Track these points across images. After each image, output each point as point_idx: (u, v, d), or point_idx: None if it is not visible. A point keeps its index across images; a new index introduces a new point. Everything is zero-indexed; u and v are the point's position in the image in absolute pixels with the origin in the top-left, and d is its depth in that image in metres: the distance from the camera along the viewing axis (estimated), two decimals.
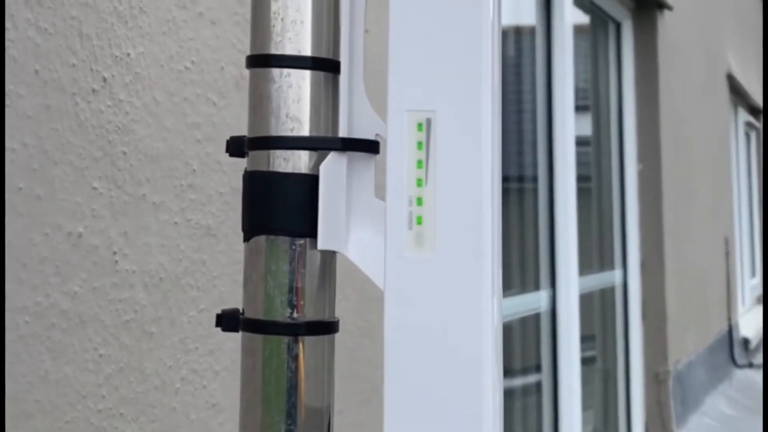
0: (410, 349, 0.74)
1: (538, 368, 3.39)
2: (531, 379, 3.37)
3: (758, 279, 8.65)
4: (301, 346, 0.80)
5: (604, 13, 4.32)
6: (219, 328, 1.34)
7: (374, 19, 0.84)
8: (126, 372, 1.23)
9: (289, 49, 0.81)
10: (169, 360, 1.31)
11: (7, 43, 1.06)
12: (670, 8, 4.66)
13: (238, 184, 1.41)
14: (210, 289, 1.38)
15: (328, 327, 0.82)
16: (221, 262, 1.41)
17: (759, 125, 8.94)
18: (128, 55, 1.23)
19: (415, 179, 0.75)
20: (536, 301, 3.33)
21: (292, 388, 0.80)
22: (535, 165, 3.42)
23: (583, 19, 4.14)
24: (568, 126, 3.50)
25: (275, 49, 0.82)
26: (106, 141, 1.19)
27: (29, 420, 1.10)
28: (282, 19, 0.82)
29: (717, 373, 5.69)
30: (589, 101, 4.26)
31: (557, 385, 3.44)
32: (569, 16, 3.58)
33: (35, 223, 1.10)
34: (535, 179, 3.40)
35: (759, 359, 6.88)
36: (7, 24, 1.06)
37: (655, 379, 4.47)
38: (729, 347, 6.20)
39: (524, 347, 3.34)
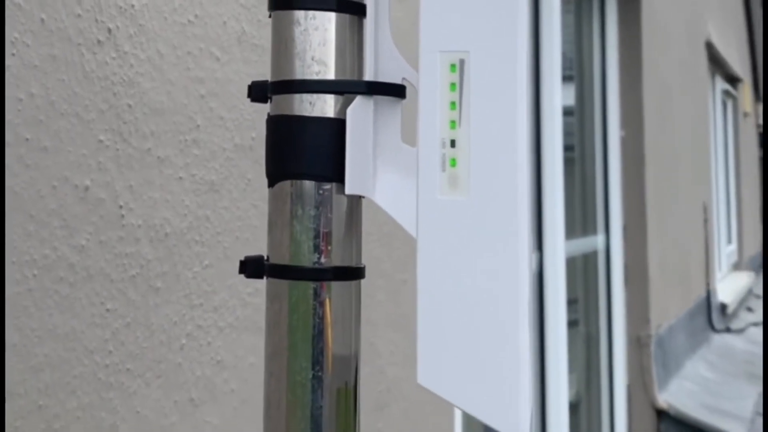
0: (444, 291, 0.73)
1: None
2: None
3: (734, 246, 8.72)
4: (327, 291, 0.79)
5: None
6: (225, 284, 1.33)
7: None
8: (132, 327, 1.22)
9: None
10: (174, 316, 1.29)
11: None
12: None
13: (242, 140, 1.41)
14: (214, 245, 1.37)
15: (356, 273, 0.81)
16: (224, 218, 1.39)
17: (736, 93, 8.98)
18: (132, 6, 1.21)
19: (449, 121, 0.74)
20: None
21: (319, 335, 0.79)
22: (527, 96, 3.43)
23: None
24: (556, 96, 3.53)
25: None
26: (111, 93, 1.17)
27: (38, 374, 1.08)
28: None
29: (696, 338, 5.74)
30: (574, 71, 4.28)
31: (544, 346, 3.47)
32: None
33: (43, 175, 1.08)
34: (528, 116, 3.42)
35: (736, 324, 6.95)
36: None
37: (638, 343, 4.51)
38: (707, 312, 6.25)
39: None
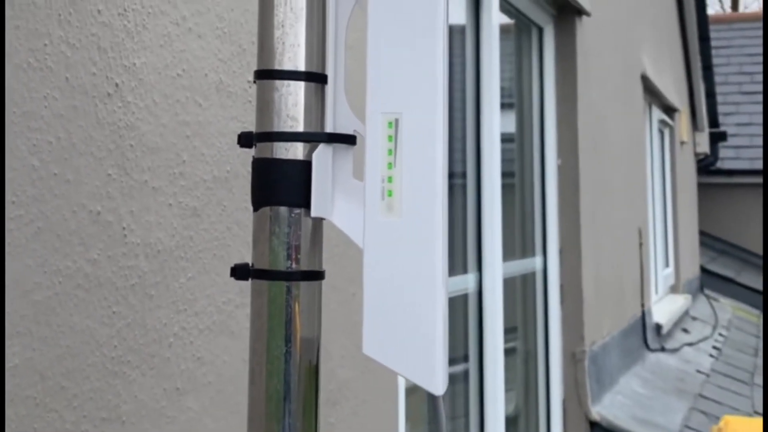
0: (383, 286, 1.01)
1: (465, 345, 3.68)
2: (459, 352, 3.65)
3: (671, 269, 9.05)
4: (297, 289, 1.07)
5: (527, 18, 4.63)
6: (204, 294, 1.60)
7: (353, 37, 1.11)
8: (132, 326, 1.49)
9: (288, 66, 1.08)
10: (164, 318, 1.56)
11: (44, 56, 1.32)
12: (588, 14, 4.98)
13: (219, 173, 1.68)
14: (196, 261, 1.64)
15: (318, 275, 1.09)
16: (204, 238, 1.67)
17: (672, 123, 9.35)
18: (134, 64, 1.49)
19: (386, 163, 1.02)
20: (465, 282, 3.62)
21: (290, 321, 1.07)
22: (464, 159, 3.70)
23: (509, 23, 4.44)
24: (495, 124, 3.78)
25: (278, 66, 1.08)
26: (117, 135, 1.45)
27: (62, 361, 1.35)
28: (283, 43, 1.08)
29: (631, 355, 6.03)
30: (514, 100, 4.55)
31: (482, 362, 3.72)
32: (496, 20, 3.86)
33: (66, 203, 1.35)
34: (464, 173, 3.69)
35: (670, 344, 7.26)
36: (45, 41, 1.32)
37: (573, 359, 4.77)
38: (642, 332, 6.55)
39: (452, 325, 3.63)
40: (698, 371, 6.75)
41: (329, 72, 1.09)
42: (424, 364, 1.01)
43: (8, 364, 1.26)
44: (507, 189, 4.01)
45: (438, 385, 1.01)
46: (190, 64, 1.62)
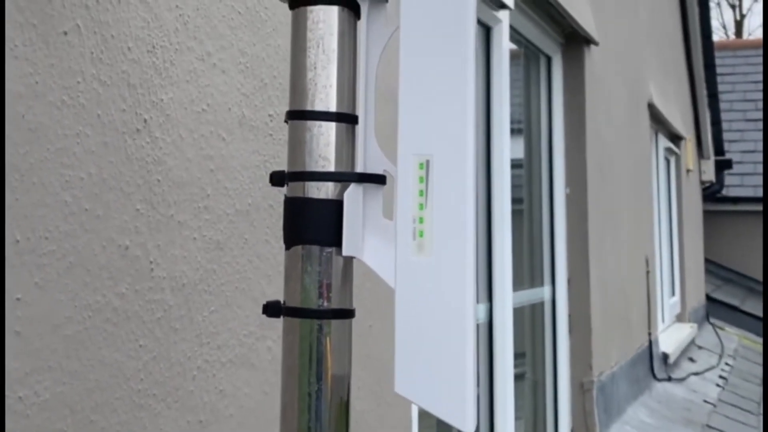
0: (415, 325, 1.03)
1: (476, 374, 3.68)
2: None
3: (677, 298, 9.05)
4: (328, 327, 1.09)
5: (536, 47, 4.66)
6: (226, 327, 1.62)
7: (384, 74, 1.13)
8: (158, 360, 1.51)
9: (320, 107, 1.10)
10: (188, 351, 1.58)
11: (77, 93, 1.34)
12: (596, 43, 5.01)
13: (241, 206, 1.70)
14: (219, 294, 1.66)
15: (348, 313, 1.11)
16: (227, 271, 1.69)
17: (679, 151, 9.38)
18: (162, 100, 1.51)
19: (418, 204, 1.04)
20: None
21: (321, 359, 1.09)
22: (474, 186, 3.71)
23: (518, 51, 4.47)
24: (505, 152, 3.80)
25: (310, 106, 1.10)
26: (145, 171, 1.47)
27: (91, 395, 1.37)
28: (315, 84, 1.10)
29: (638, 385, 6.02)
30: (522, 127, 4.57)
31: (492, 390, 3.73)
32: (506, 48, 3.89)
33: (97, 237, 1.37)
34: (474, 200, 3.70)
35: (677, 373, 7.25)
36: (78, 78, 1.34)
37: (581, 389, 4.77)
38: (649, 361, 6.55)
39: None
40: (705, 401, 6.74)
41: (360, 112, 1.12)
42: (455, 402, 1.02)
43: (39, 399, 1.28)
44: (516, 216, 4.02)
45: (469, 424, 1.02)
46: (214, 99, 1.64)
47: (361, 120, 1.11)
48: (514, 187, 4.00)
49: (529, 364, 4.47)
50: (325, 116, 1.10)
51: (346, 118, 1.11)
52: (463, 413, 1.02)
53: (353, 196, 1.09)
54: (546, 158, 4.81)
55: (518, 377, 4.03)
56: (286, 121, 1.13)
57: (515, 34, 4.25)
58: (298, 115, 1.11)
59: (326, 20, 1.11)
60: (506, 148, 3.82)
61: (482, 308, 3.69)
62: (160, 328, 1.51)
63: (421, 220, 1.04)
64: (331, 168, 1.09)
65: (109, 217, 1.40)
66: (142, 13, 1.47)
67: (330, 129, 1.10)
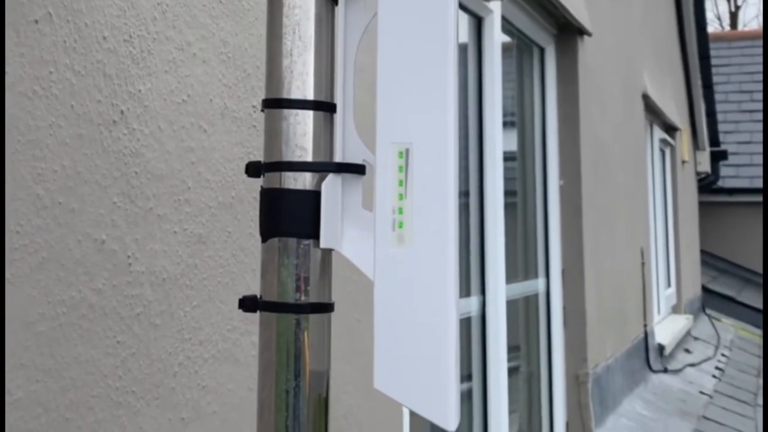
0: (394, 318, 0.99)
1: (469, 367, 3.66)
2: (462, 375, 3.62)
3: (673, 289, 9.03)
4: (306, 322, 1.05)
5: (528, 38, 4.63)
6: (209, 322, 1.58)
7: (363, 60, 1.09)
8: (137, 356, 1.47)
9: (296, 95, 1.06)
10: (169, 347, 1.55)
11: (50, 84, 1.30)
12: (589, 34, 4.98)
13: (224, 198, 1.67)
14: (201, 288, 1.63)
15: (327, 307, 1.07)
16: (209, 265, 1.65)
17: (674, 142, 9.35)
18: (140, 91, 1.47)
19: (397, 194, 1.00)
20: (468, 305, 3.60)
21: (299, 354, 1.05)
22: (467, 179, 3.69)
23: (510, 42, 4.43)
24: (498, 144, 3.77)
25: (286, 95, 1.06)
26: (122, 163, 1.43)
27: (66, 393, 1.33)
28: (291, 72, 1.06)
29: (634, 377, 6.00)
30: (515, 119, 4.54)
31: (486, 383, 3.70)
32: (498, 40, 3.86)
33: (71, 231, 1.34)
34: (467, 193, 3.67)
35: (673, 365, 7.23)
36: (50, 68, 1.30)
37: (576, 381, 4.75)
38: (645, 353, 6.53)
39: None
40: (701, 392, 6.72)
41: (338, 101, 1.08)
42: (436, 399, 0.99)
43: (11, 398, 1.24)
44: (509, 209, 3.99)
45: (451, 421, 0.99)
46: (194, 90, 1.61)
47: (339, 108, 1.08)
48: (508, 179, 3.97)
49: (523, 357, 4.45)
50: (302, 104, 1.06)
51: (324, 107, 1.07)
52: (445, 411, 0.99)
53: (331, 186, 1.05)
54: (540, 150, 4.78)
55: (512, 370, 4.01)
56: (262, 110, 1.09)
57: (507, 25, 4.21)
58: (274, 103, 1.07)
59: (302, 5, 1.07)
60: (498, 140, 3.79)
61: (475, 301, 3.66)
62: (139, 324, 1.48)
63: (400, 211, 1.00)
64: (309, 158, 1.06)
65: (84, 211, 1.36)
66: (118, 1, 1.44)
67: (307, 117, 1.06)
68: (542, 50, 4.84)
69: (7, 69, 1.23)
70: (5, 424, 1.23)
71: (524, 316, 4.48)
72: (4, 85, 1.23)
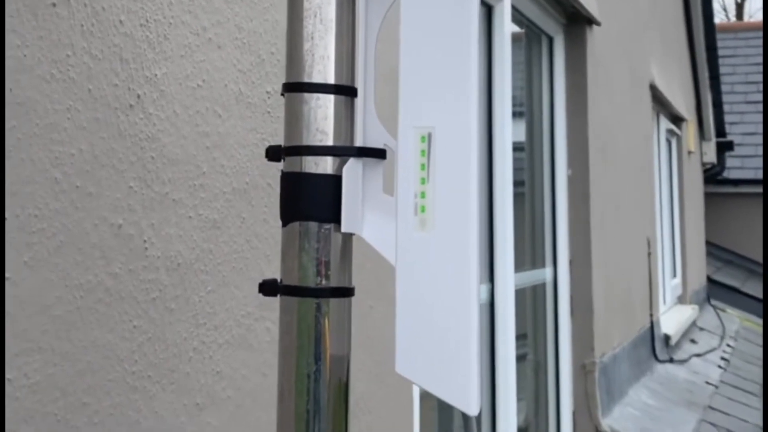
0: (416, 303, 0.99)
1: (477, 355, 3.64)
2: None
3: (679, 279, 9.02)
4: (326, 306, 1.05)
5: (538, 28, 4.61)
6: (223, 307, 1.58)
7: (380, 49, 1.09)
8: (153, 341, 1.47)
9: (317, 79, 1.06)
10: (184, 332, 1.54)
11: (67, 67, 1.30)
12: (598, 24, 4.96)
13: (238, 184, 1.66)
14: (215, 274, 1.62)
15: (347, 291, 1.07)
16: (224, 250, 1.65)
17: (680, 133, 9.33)
18: (156, 75, 1.47)
19: (419, 178, 1.00)
20: None
21: (320, 339, 1.05)
22: (478, 159, 3.67)
23: (519, 32, 4.42)
24: (507, 134, 3.76)
25: (307, 78, 1.06)
26: (139, 147, 1.43)
27: (83, 377, 1.33)
28: (312, 55, 1.06)
29: (640, 367, 6.00)
30: (524, 109, 4.53)
31: (494, 371, 3.71)
32: (508, 29, 3.84)
33: (88, 215, 1.33)
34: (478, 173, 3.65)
35: (679, 355, 7.23)
36: (67, 51, 1.30)
37: (583, 371, 4.75)
38: (651, 343, 6.53)
39: None
40: (707, 382, 6.72)
41: (359, 85, 1.07)
42: (458, 384, 0.98)
43: (29, 381, 1.24)
44: (517, 198, 3.99)
45: (473, 406, 0.98)
46: (210, 75, 1.60)
47: (360, 92, 1.07)
48: (516, 169, 3.96)
49: (530, 345, 4.45)
50: (323, 88, 1.06)
51: (345, 91, 1.07)
52: (467, 396, 0.99)
53: (352, 170, 1.05)
54: (548, 139, 4.78)
55: (520, 359, 4.01)
56: (282, 94, 1.09)
57: (517, 14, 4.20)
58: (295, 87, 1.07)
59: None
60: (508, 130, 3.78)
61: (484, 289, 3.66)
62: (155, 309, 1.47)
63: (422, 195, 1.00)
64: (330, 142, 1.05)
65: (101, 195, 1.36)
66: None
67: (328, 102, 1.06)
68: (551, 39, 4.83)
69: (25, 52, 1.23)
70: (5, 419, 1.23)
71: (532, 305, 4.48)
72: (5, 85, 1.23)
